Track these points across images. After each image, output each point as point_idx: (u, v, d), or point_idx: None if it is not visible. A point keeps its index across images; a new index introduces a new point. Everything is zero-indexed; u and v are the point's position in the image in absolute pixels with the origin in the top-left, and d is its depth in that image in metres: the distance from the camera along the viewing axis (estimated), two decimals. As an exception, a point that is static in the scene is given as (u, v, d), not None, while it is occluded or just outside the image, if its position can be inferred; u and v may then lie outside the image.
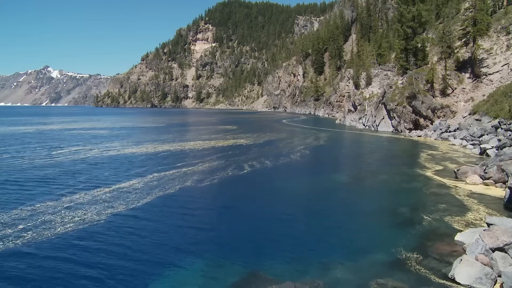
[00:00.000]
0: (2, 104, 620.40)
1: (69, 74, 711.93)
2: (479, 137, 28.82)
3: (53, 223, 11.66)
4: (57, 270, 8.54)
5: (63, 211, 12.86)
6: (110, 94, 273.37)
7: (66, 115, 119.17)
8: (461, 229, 10.89)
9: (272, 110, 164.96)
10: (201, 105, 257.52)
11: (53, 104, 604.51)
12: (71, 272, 8.45)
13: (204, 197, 15.42)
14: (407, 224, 11.63)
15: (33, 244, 9.98)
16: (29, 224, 11.53)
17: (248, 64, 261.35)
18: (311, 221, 12.22)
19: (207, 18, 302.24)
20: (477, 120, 34.23)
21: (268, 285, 7.76)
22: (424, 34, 52.73)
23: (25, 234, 10.66)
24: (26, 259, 9.10)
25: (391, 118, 45.84)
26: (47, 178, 18.52)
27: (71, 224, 11.54)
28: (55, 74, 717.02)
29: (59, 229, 11.13)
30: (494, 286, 7.59)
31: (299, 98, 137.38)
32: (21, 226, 11.33)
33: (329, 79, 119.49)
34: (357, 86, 73.17)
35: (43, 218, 12.07)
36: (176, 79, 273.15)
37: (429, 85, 42.91)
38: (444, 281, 7.84)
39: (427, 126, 41.08)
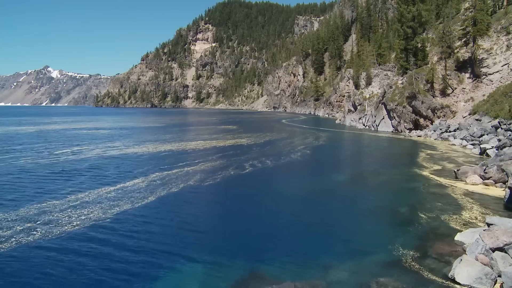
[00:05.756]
0: (2, 104, 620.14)
1: (69, 74, 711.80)
2: (479, 137, 28.83)
3: (60, 221, 11.79)
4: (61, 267, 8.57)
5: (69, 210, 12.98)
6: (110, 94, 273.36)
7: (66, 115, 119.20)
8: (461, 229, 10.91)
9: (272, 110, 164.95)
10: (201, 105, 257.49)
11: (53, 104, 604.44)
12: (74, 270, 8.48)
13: (205, 197, 15.45)
14: (407, 224, 11.64)
15: (40, 242, 10.09)
16: (37, 222, 11.67)
17: (248, 64, 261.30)
18: (311, 221, 12.23)
19: (207, 18, 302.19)
20: (477, 120, 34.24)
21: (268, 285, 7.77)
22: (424, 34, 52.74)
23: (33, 232, 10.80)
24: (33, 256, 9.17)
25: (391, 118, 45.86)
26: (51, 177, 18.57)
27: (78, 222, 11.67)
28: (55, 74, 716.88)
29: (66, 227, 11.27)
30: (494, 286, 7.60)
31: (299, 98, 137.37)
32: (29, 224, 11.45)
33: (329, 79, 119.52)
34: (357, 86, 73.18)
35: (50, 217, 12.20)
36: (176, 79, 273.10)
37: (429, 85, 42.92)
38: (444, 281, 7.85)
39: (427, 126, 41.10)
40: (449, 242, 9.96)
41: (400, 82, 47.23)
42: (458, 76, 42.93)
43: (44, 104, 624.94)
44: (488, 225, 10.28)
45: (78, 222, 11.68)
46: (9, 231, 10.89)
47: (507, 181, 14.66)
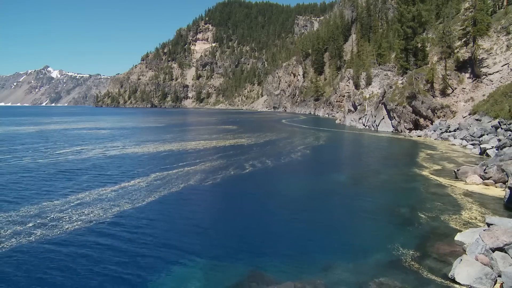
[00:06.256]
0: (2, 104, 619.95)
1: (69, 74, 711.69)
2: (479, 137, 28.83)
3: (61, 221, 11.84)
4: (62, 266, 8.59)
5: (70, 209, 13.03)
6: (110, 94, 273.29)
7: (67, 115, 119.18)
8: (461, 229, 10.91)
9: (272, 110, 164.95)
10: (201, 105, 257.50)
11: (53, 104, 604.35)
12: (75, 268, 8.50)
13: (206, 197, 15.46)
14: (407, 224, 11.65)
15: (42, 241, 10.12)
16: (38, 221, 11.74)
17: (248, 64, 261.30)
18: (311, 221, 12.24)
19: (207, 18, 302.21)
20: (477, 120, 34.24)
21: (268, 285, 7.78)
22: (424, 34, 52.76)
23: (35, 231, 10.85)
24: (35, 255, 9.22)
25: (391, 118, 45.86)
26: (52, 177, 18.57)
27: (79, 222, 11.72)
28: (55, 74, 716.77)
29: (66, 226, 11.32)
30: (494, 286, 7.60)
31: (299, 98, 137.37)
32: (30, 224, 11.51)
33: (329, 79, 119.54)
34: (357, 86, 73.22)
35: (51, 216, 12.25)
36: (176, 79, 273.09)
37: (429, 85, 42.92)
38: (444, 281, 7.86)
39: (427, 126, 41.10)
40: (449, 242, 9.97)
41: (400, 82, 47.24)
42: (458, 76, 42.93)
43: (44, 104, 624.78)
44: (488, 225, 10.29)
45: (79, 222, 11.70)
46: (11, 229, 10.90)
47: (507, 181, 14.67)
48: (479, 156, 24.79)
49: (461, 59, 43.64)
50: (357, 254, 9.36)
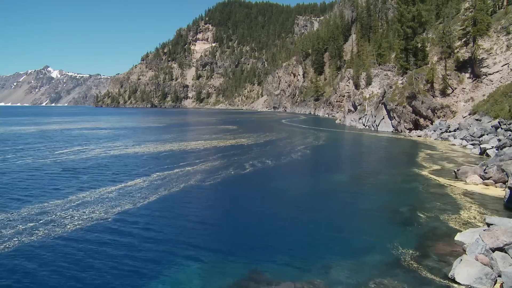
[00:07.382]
0: (2, 104, 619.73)
1: (69, 74, 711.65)
2: (479, 137, 28.84)
3: (62, 220, 11.87)
4: (63, 266, 8.61)
5: (71, 209, 13.05)
6: (110, 94, 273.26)
7: (67, 115, 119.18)
8: (461, 229, 10.92)
9: (272, 110, 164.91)
10: (201, 105, 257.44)
11: (53, 104, 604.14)
12: (76, 269, 8.51)
13: (206, 197, 15.47)
14: (407, 224, 11.66)
15: (43, 241, 10.16)
16: (40, 221, 11.77)
17: (248, 64, 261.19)
18: (311, 221, 12.25)
19: (207, 18, 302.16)
20: (477, 120, 34.26)
21: (268, 285, 7.79)
22: (424, 34, 52.76)
23: (36, 231, 10.88)
24: (36, 255, 9.22)
25: (391, 118, 45.87)
26: (53, 177, 18.60)
27: (80, 222, 11.75)
28: (55, 74, 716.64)
29: (68, 226, 11.36)
30: (494, 286, 7.61)
31: (299, 98, 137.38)
32: (31, 224, 11.54)
33: (329, 79, 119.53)
34: (357, 86, 73.19)
35: (52, 216, 12.27)
36: (176, 79, 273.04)
37: (429, 85, 42.94)
38: (444, 281, 7.87)
39: (427, 126, 41.11)
40: (449, 242, 9.98)
41: (400, 82, 47.25)
42: (458, 76, 42.94)
43: (44, 104, 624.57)
44: (488, 225, 10.30)
45: (80, 221, 11.72)
46: (13, 229, 10.91)
47: (507, 181, 14.67)
48: (479, 156, 24.80)
49: (461, 59, 43.65)
50: (357, 254, 9.37)
